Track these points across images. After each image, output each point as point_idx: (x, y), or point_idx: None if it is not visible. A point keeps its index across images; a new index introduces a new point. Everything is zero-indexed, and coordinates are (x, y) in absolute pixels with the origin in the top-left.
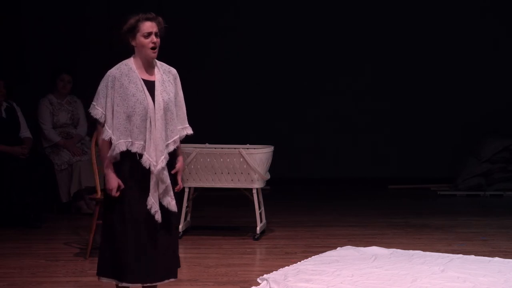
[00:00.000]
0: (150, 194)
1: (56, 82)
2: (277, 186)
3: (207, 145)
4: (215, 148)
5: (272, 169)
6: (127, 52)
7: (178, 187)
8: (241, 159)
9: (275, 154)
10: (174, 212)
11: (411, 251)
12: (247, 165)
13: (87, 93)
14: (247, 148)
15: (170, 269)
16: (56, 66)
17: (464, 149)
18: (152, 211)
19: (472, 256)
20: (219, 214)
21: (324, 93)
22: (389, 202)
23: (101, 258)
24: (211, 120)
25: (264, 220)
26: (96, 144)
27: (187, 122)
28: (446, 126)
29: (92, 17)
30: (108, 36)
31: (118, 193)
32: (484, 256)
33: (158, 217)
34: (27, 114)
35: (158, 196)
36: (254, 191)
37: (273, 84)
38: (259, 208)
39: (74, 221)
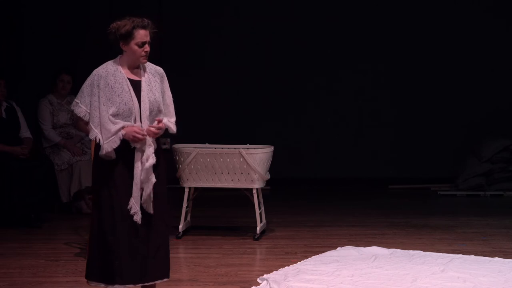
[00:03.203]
0: (132, 195)
1: (56, 82)
2: (277, 186)
3: (207, 145)
4: (215, 148)
5: (272, 169)
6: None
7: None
8: (241, 159)
9: (275, 154)
10: (164, 212)
11: (411, 251)
12: (247, 165)
13: None
14: (247, 148)
15: (163, 270)
16: (56, 66)
17: (465, 149)
18: (132, 211)
19: (473, 256)
20: (219, 214)
21: (325, 93)
22: (389, 202)
23: (90, 261)
24: (211, 120)
25: (264, 220)
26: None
27: (174, 119)
28: (446, 126)
29: (92, 17)
30: (108, 36)
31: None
32: (484, 256)
33: (137, 218)
34: (27, 114)
35: (141, 197)
36: (254, 191)
37: (273, 84)
38: (259, 208)
39: (75, 221)
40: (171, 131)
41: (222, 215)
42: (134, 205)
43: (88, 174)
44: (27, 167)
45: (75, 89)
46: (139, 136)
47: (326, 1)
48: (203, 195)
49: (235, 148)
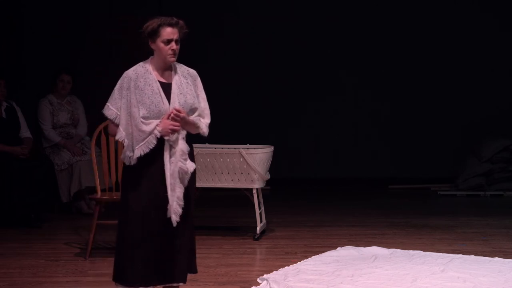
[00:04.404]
0: (169, 195)
1: (56, 82)
2: (277, 186)
3: (207, 145)
4: (215, 148)
5: (272, 169)
6: (126, 51)
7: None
8: (241, 159)
9: (275, 154)
10: (190, 217)
11: (411, 251)
12: (247, 165)
13: (87, 93)
14: (247, 148)
15: (184, 273)
16: (56, 66)
17: (465, 149)
18: (170, 207)
19: (472, 256)
20: (219, 214)
21: (325, 93)
22: (389, 202)
23: (117, 264)
24: (211, 120)
25: (264, 220)
26: (97, 144)
27: (207, 121)
28: (446, 126)
29: (92, 17)
30: (108, 36)
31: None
32: (484, 256)
33: (173, 215)
34: (27, 114)
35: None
36: (254, 191)
37: (273, 84)
38: (259, 208)
39: (75, 221)
40: (201, 132)
41: (222, 215)
42: (171, 199)
43: (88, 174)
44: (27, 167)
45: (75, 89)
46: (176, 127)
47: (326, 1)
48: (203, 195)
49: (235, 148)
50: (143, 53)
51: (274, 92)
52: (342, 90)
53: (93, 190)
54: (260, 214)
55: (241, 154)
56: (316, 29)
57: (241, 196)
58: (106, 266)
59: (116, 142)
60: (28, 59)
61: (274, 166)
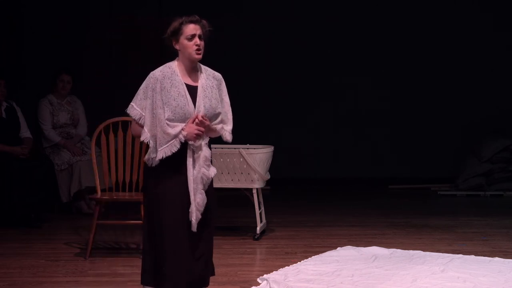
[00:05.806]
0: (191, 200)
1: (56, 82)
2: (277, 186)
3: None
4: (215, 148)
5: (272, 169)
6: (126, 51)
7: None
8: (241, 159)
9: (275, 154)
10: (212, 221)
11: (411, 251)
12: (247, 165)
13: (87, 93)
14: (247, 148)
15: (204, 277)
16: (56, 66)
17: (465, 149)
18: (191, 211)
19: (472, 256)
20: (219, 214)
21: (325, 93)
22: (389, 202)
23: (143, 266)
24: None
25: (264, 220)
26: (97, 144)
27: (230, 127)
28: (446, 126)
29: (92, 17)
30: (108, 36)
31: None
32: (484, 256)
33: (192, 217)
34: (27, 114)
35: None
36: (254, 191)
37: (273, 84)
38: (259, 208)
39: (75, 221)
40: (224, 139)
41: (222, 215)
42: (193, 203)
43: (88, 174)
44: (27, 167)
45: (75, 89)
46: (201, 132)
47: (326, 1)
48: None
49: (235, 148)
50: (142, 53)
51: (274, 92)
52: (342, 90)
53: (93, 190)
54: (260, 214)
55: (241, 154)
56: (316, 29)
57: (241, 196)
58: (106, 266)
59: (116, 142)
60: (28, 59)
61: (274, 166)
